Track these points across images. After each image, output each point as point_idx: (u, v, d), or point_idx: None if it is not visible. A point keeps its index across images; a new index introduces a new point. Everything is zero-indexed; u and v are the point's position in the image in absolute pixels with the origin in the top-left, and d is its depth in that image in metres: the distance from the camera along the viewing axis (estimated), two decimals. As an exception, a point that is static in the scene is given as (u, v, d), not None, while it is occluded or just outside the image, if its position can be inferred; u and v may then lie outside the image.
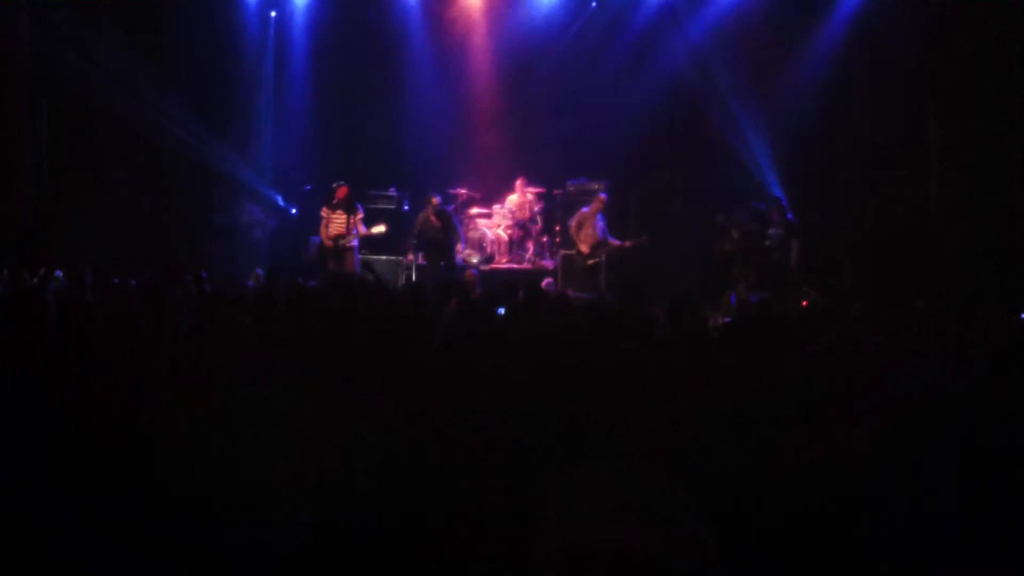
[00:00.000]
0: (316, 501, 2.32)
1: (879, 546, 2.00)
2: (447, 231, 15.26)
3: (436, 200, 15.35)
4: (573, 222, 14.96)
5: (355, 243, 14.89)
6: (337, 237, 14.77)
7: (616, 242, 14.69)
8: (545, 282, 15.26)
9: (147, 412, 1.94)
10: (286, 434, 2.54)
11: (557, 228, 16.38)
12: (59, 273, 11.90)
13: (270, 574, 2.08)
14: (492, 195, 16.67)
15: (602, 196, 14.96)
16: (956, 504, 1.53)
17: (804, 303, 12.00)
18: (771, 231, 14.66)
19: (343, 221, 14.79)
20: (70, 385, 2.02)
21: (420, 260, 15.69)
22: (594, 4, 17.05)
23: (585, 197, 15.69)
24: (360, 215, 14.97)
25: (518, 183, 16.40)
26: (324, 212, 14.96)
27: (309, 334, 4.84)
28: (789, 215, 14.73)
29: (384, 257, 15.57)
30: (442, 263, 15.12)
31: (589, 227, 14.78)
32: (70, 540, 1.56)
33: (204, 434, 2.30)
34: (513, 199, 16.32)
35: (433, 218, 15.24)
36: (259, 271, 13.14)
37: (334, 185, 15.01)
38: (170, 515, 1.97)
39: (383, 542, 2.24)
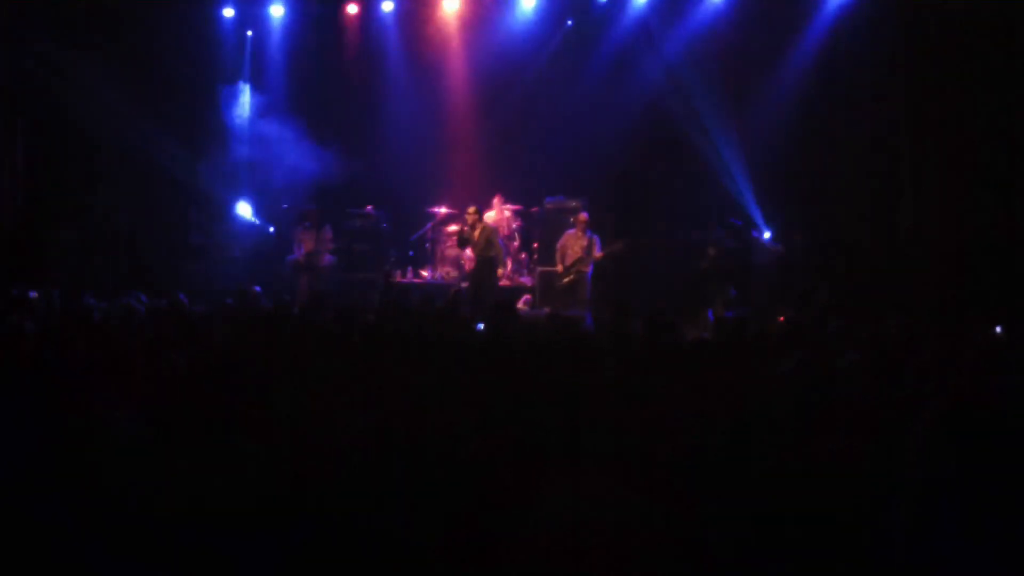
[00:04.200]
0: (316, 501, 2.33)
1: (876, 548, 2.03)
2: (489, 250, 14.84)
3: (472, 208, 15.04)
4: (559, 244, 15.05)
5: (327, 259, 15.63)
6: (309, 254, 15.48)
7: (599, 254, 14.75)
8: (523, 299, 15.31)
9: (146, 416, 1.96)
10: (287, 435, 2.55)
11: (535, 245, 16.38)
12: (33, 294, 11.82)
13: (270, 574, 2.09)
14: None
15: (583, 215, 15.02)
16: (955, 508, 1.56)
17: (780, 319, 12.08)
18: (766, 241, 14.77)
19: (312, 238, 15.50)
20: (63, 392, 2.03)
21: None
22: (570, 22, 17.14)
23: (564, 214, 15.74)
24: (329, 235, 15.66)
25: (495, 200, 16.42)
26: (298, 233, 15.71)
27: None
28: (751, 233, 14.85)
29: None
30: (484, 283, 14.72)
31: (570, 248, 14.87)
32: (70, 540, 1.57)
33: (205, 436, 2.31)
34: (491, 216, 16.30)
35: (477, 235, 14.86)
36: (257, 288, 13.16)
37: (304, 208, 15.84)
38: (170, 516, 1.97)
39: (383, 542, 2.25)
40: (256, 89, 17.21)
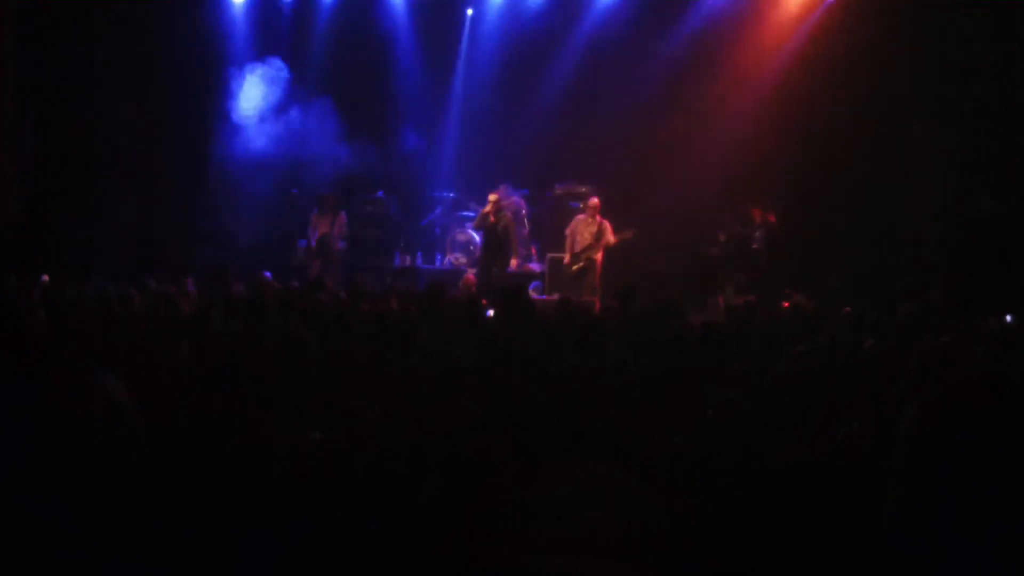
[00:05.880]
0: (316, 501, 2.34)
1: (877, 547, 2.03)
2: (505, 234, 14.72)
3: (495, 196, 14.81)
4: (568, 229, 14.92)
5: (341, 244, 15.54)
6: (322, 238, 15.39)
7: (611, 240, 14.63)
8: (532, 285, 15.28)
9: (146, 412, 1.95)
10: (287, 434, 2.56)
11: (545, 231, 16.35)
12: (44, 278, 11.85)
13: (270, 574, 2.09)
14: (480, 198, 16.62)
15: (595, 199, 14.90)
16: (955, 505, 1.55)
17: (785, 305, 12.07)
18: (756, 233, 14.69)
19: (328, 223, 15.45)
20: (62, 386, 2.01)
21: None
22: (580, 7, 17.10)
23: (573, 200, 15.69)
24: (344, 220, 15.61)
25: (501, 188, 16.35)
26: (313, 217, 15.63)
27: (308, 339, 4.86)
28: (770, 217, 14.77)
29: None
30: (494, 269, 14.61)
31: (579, 234, 14.75)
32: (70, 540, 1.57)
33: (204, 434, 2.31)
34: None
35: (492, 217, 14.65)
36: (267, 274, 13.18)
37: (321, 193, 15.75)
38: (170, 515, 1.97)
39: (383, 542, 2.26)
40: (271, 72, 17.16)
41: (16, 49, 15.19)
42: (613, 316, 9.44)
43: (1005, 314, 8.42)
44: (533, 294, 14.73)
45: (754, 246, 14.71)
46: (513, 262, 15.00)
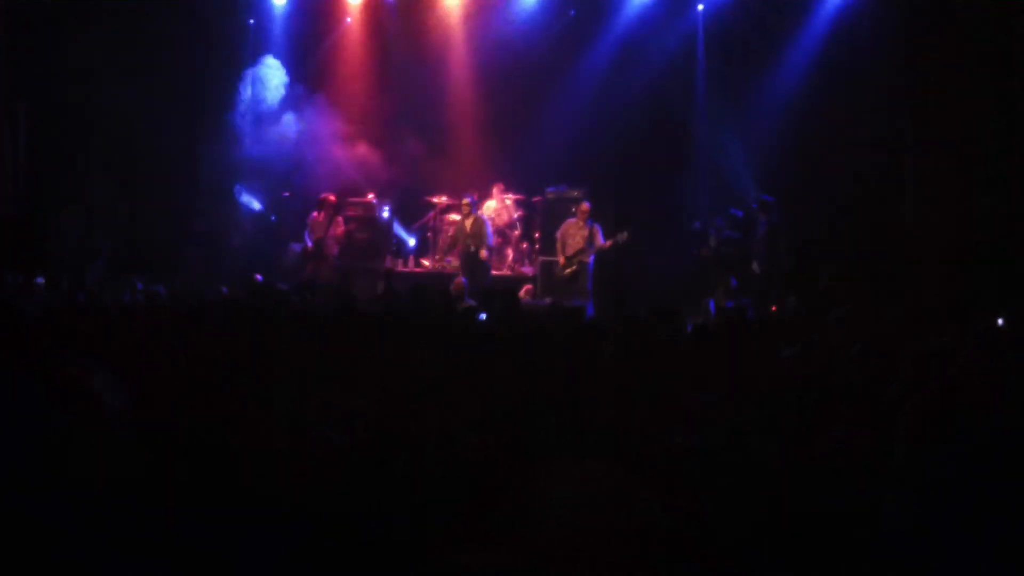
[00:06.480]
0: (316, 501, 2.33)
1: (878, 547, 2.03)
2: (480, 242, 14.87)
3: (467, 201, 15.13)
4: (559, 233, 14.93)
5: (335, 249, 15.65)
6: (318, 241, 15.47)
7: (603, 243, 14.62)
8: (524, 289, 15.27)
9: (145, 412, 1.95)
10: (287, 434, 2.55)
11: (537, 235, 16.32)
12: (40, 280, 11.84)
13: (270, 574, 2.09)
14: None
15: (585, 205, 14.90)
16: (954, 505, 1.55)
17: (773, 308, 12.08)
18: (760, 230, 14.66)
19: (324, 227, 15.51)
20: (62, 386, 2.01)
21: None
22: (573, 12, 17.10)
23: (565, 204, 15.68)
24: (341, 226, 15.75)
25: (495, 189, 16.38)
26: (311, 218, 15.72)
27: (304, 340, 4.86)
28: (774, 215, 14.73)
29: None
30: (479, 270, 14.74)
31: (571, 237, 14.75)
32: (70, 540, 1.56)
33: (204, 434, 2.30)
34: (491, 205, 16.26)
35: (468, 223, 14.98)
36: (258, 277, 13.19)
37: (322, 196, 15.77)
38: (170, 515, 1.97)
39: (383, 542, 2.25)
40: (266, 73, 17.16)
41: (8, 49, 15.17)
42: (605, 319, 9.45)
43: (1003, 314, 8.44)
44: (526, 297, 14.72)
45: (752, 246, 14.73)
46: (483, 253, 14.94)
